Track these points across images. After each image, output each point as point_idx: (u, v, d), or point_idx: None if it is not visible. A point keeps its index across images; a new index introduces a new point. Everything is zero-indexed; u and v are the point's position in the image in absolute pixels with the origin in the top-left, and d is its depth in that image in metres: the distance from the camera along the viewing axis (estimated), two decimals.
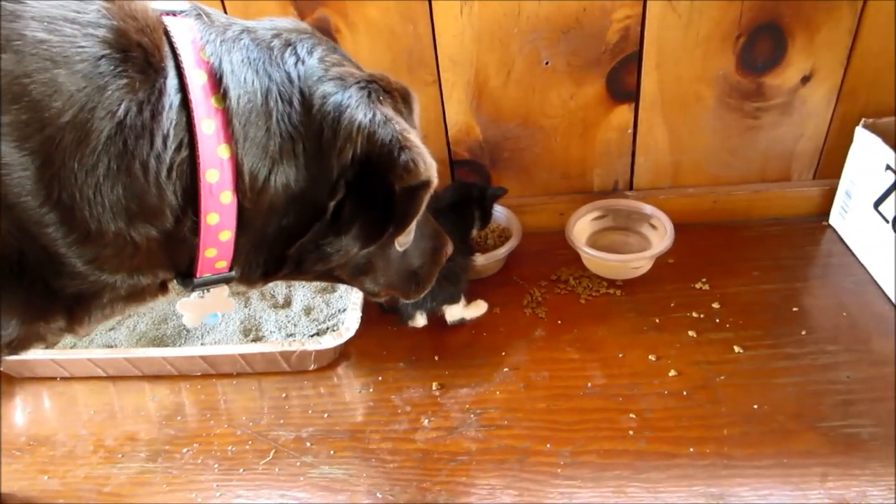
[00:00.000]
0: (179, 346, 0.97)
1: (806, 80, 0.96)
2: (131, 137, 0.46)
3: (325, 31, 0.96)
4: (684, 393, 0.82)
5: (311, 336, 0.92)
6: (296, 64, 0.53)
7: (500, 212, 1.08)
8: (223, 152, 0.49)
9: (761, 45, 0.93)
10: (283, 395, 0.90)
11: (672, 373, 0.84)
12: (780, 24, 0.91)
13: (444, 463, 0.78)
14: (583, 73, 0.97)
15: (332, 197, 0.54)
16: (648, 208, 1.03)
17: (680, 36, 0.93)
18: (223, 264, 0.56)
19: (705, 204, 1.08)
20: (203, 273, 0.56)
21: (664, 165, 1.06)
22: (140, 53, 0.47)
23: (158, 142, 0.47)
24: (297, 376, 0.92)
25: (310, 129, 0.52)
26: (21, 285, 0.48)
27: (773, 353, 0.85)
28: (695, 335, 0.89)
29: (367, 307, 0.94)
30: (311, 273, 0.62)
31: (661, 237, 1.00)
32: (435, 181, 0.55)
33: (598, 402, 0.82)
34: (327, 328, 0.94)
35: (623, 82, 0.98)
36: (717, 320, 0.91)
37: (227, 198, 0.51)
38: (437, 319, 0.95)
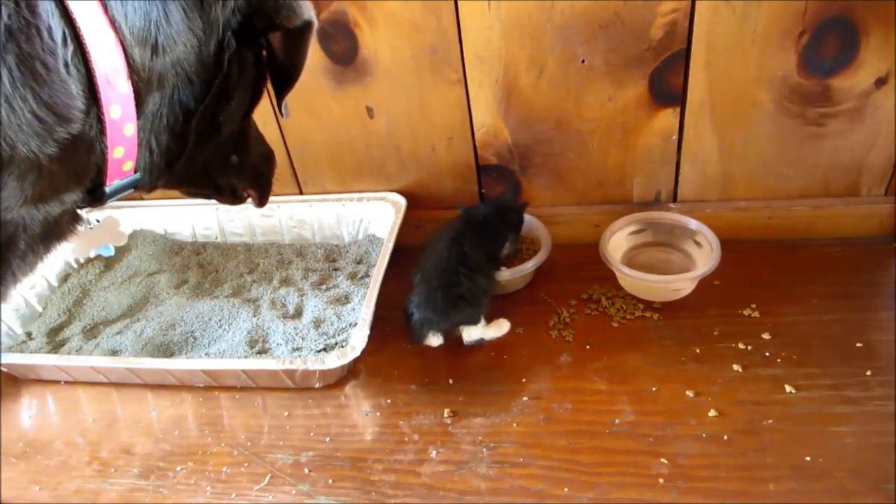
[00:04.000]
0: (186, 353, 0.92)
1: (881, 82, 0.84)
2: (23, 40, 0.42)
3: (343, 25, 0.90)
4: (725, 437, 0.72)
5: (318, 352, 0.86)
6: None
7: (529, 221, 0.99)
8: (109, 37, 0.47)
9: (828, 43, 0.82)
10: (286, 413, 0.84)
11: (712, 413, 0.75)
12: (851, 18, 0.80)
13: (449, 501, 0.71)
14: (623, 72, 0.88)
15: (225, 51, 0.54)
16: (693, 223, 0.93)
17: (734, 32, 0.83)
18: (129, 165, 0.53)
19: (759, 219, 0.97)
20: (112, 180, 0.53)
21: (713, 175, 0.96)
22: None
23: (46, 37, 0.44)
24: (302, 393, 0.86)
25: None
26: None
27: (832, 395, 0.74)
28: (740, 370, 0.79)
29: (380, 322, 0.87)
30: (202, 154, 0.62)
31: (706, 256, 0.90)
32: (315, 22, 0.58)
33: (626, 443, 0.73)
34: (336, 343, 0.88)
35: (668, 83, 0.88)
36: (767, 354, 0.80)
37: (125, 86, 0.48)
38: (454, 338, 0.87)
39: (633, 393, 0.79)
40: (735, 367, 0.79)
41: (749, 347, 0.82)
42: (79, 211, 0.55)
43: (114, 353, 0.94)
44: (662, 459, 0.71)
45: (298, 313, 0.95)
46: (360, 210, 1.06)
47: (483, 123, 0.96)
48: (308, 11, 0.57)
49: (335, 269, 1.03)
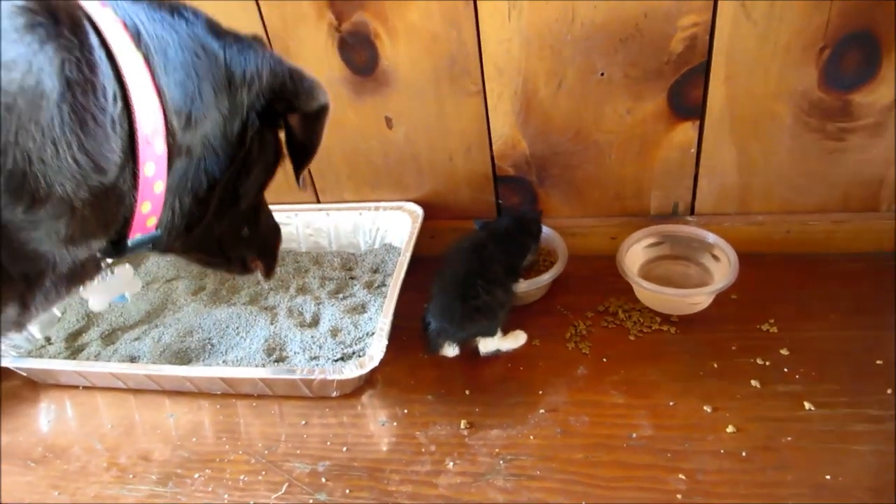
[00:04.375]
0: (203, 360, 0.93)
1: None
2: (79, 92, 0.46)
3: (364, 36, 0.91)
4: (743, 454, 0.72)
5: (336, 360, 0.87)
6: (189, 23, 0.56)
7: (546, 233, 0.99)
8: (153, 102, 0.51)
9: (850, 58, 0.82)
10: (303, 421, 0.85)
11: (730, 428, 0.74)
12: (874, 33, 0.80)
13: None
14: (642, 85, 0.88)
15: (248, 130, 0.59)
16: (711, 237, 0.93)
17: (754, 46, 0.83)
18: (153, 221, 0.57)
19: (776, 234, 0.97)
20: (135, 234, 0.56)
21: (731, 189, 0.96)
22: (66, 17, 0.47)
23: (100, 95, 0.48)
24: (319, 402, 0.87)
25: (218, 72, 0.56)
26: None
27: (852, 413, 0.74)
28: (758, 385, 0.79)
29: (397, 332, 0.87)
30: (219, 225, 0.65)
31: (723, 270, 0.90)
32: (330, 105, 0.63)
33: (644, 457, 0.73)
34: (353, 353, 0.88)
35: (687, 97, 0.88)
36: (786, 370, 0.80)
37: (161, 147, 0.52)
38: (470, 349, 0.87)
39: (651, 407, 0.79)
40: (753, 382, 0.79)
41: (767, 363, 0.81)
42: (100, 260, 0.58)
43: (132, 359, 0.95)
44: (680, 475, 0.71)
45: (315, 322, 0.95)
46: (377, 219, 1.07)
47: (501, 134, 0.97)
48: (324, 96, 0.62)
49: (351, 278, 1.04)
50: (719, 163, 0.93)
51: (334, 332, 0.92)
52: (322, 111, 0.63)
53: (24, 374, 0.97)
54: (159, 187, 0.54)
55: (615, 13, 0.83)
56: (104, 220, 0.53)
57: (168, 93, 0.52)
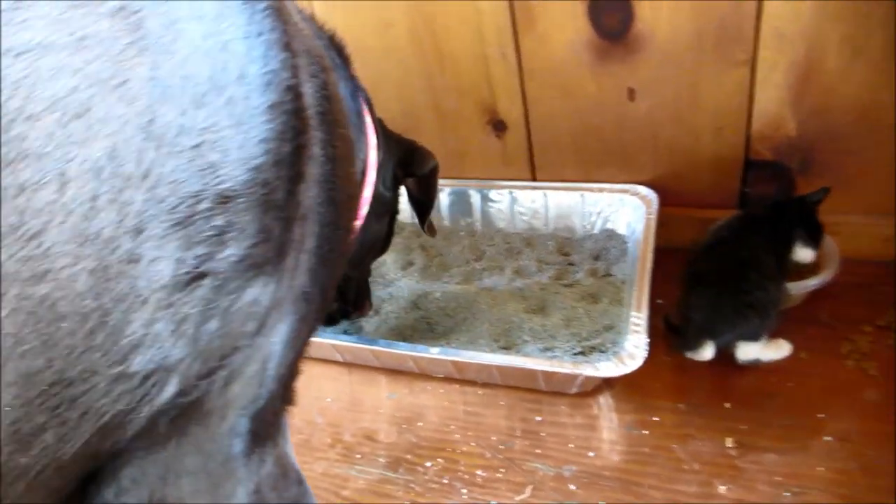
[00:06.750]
0: (419, 339, 0.88)
1: None
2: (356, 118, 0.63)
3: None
4: None
5: (575, 354, 0.79)
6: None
7: None
8: (374, 142, 0.68)
9: None
10: (537, 418, 0.78)
11: None
12: None
13: None
14: None
15: (397, 182, 0.78)
16: None
17: None
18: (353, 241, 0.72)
19: None
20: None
21: None
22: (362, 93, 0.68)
23: (361, 146, 0.65)
24: (550, 398, 0.80)
25: (386, 138, 0.75)
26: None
27: None
28: None
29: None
30: (375, 251, 0.84)
31: None
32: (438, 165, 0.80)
33: None
34: (591, 347, 0.80)
35: None
36: None
37: (373, 177, 0.67)
38: (722, 355, 0.77)
39: None
40: None
41: None
42: None
43: (344, 331, 0.92)
44: None
45: (542, 308, 0.88)
46: (600, 202, 0.97)
47: (765, 112, 0.84)
48: (435, 158, 0.79)
49: (570, 264, 0.96)
50: None
51: (567, 322, 0.84)
52: (436, 168, 0.79)
53: None
54: (365, 209, 0.67)
55: None
56: (350, 215, 0.64)
57: (378, 155, 0.69)
